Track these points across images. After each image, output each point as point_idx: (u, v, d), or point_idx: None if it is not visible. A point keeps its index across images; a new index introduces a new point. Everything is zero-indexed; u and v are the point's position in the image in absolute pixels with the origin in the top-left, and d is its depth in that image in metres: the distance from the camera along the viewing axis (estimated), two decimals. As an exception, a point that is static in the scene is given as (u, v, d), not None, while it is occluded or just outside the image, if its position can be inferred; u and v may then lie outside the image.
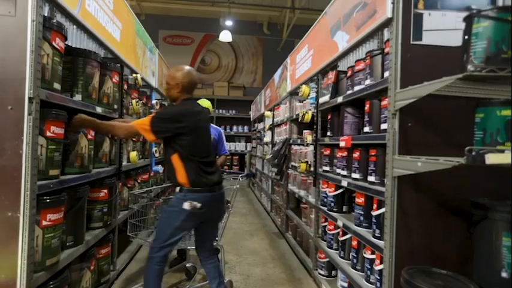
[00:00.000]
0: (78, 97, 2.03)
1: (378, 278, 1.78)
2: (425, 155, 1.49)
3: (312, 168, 2.96)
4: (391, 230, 1.64)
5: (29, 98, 1.45)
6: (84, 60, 2.07)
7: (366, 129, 2.02)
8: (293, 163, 3.93)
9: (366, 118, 2.03)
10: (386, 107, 1.80)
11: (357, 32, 2.05)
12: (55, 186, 1.66)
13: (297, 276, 3.04)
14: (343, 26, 2.29)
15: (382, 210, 1.79)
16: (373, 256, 1.90)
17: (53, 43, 1.62)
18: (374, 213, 1.86)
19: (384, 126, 1.81)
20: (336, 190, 2.52)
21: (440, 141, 1.64)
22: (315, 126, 2.93)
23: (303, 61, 3.43)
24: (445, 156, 1.35)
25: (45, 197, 1.59)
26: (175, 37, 11.80)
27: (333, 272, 2.72)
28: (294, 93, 4.12)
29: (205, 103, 3.08)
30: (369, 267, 1.94)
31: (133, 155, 2.88)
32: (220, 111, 11.12)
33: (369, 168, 1.97)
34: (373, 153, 1.94)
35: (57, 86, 1.69)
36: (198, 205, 1.94)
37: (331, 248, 2.58)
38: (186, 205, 1.94)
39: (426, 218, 1.65)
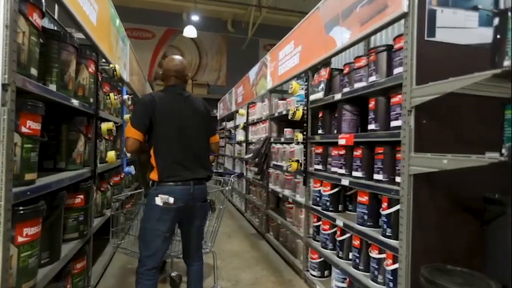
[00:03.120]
0: (52, 87, 1.72)
1: (391, 278, 1.75)
2: (439, 152, 1.48)
3: (302, 167, 2.89)
4: (408, 229, 1.61)
5: (3, 85, 1.16)
6: (59, 44, 1.76)
7: (371, 126, 1.99)
8: (275, 162, 3.85)
9: (371, 115, 2.00)
10: (397, 104, 1.77)
11: (361, 27, 2.00)
12: (32, 193, 1.37)
13: (286, 278, 2.95)
14: (343, 22, 2.24)
15: (394, 208, 1.76)
16: (382, 256, 1.86)
17: (30, 18, 1.33)
18: (384, 212, 1.83)
19: (394, 123, 1.79)
20: (331, 189, 2.47)
21: (453, 138, 1.65)
22: (304, 124, 2.86)
23: (288, 58, 3.35)
24: (457, 154, 1.35)
25: (20, 207, 1.30)
26: (135, 30, 11.10)
27: (326, 272, 2.68)
28: (274, 90, 4.04)
29: None
30: (377, 267, 1.90)
31: (112, 154, 2.57)
32: (184, 109, 10.70)
33: (376, 166, 1.94)
34: (380, 151, 1.91)
35: (34, 71, 1.40)
36: (171, 199, 1.80)
37: (326, 248, 2.52)
38: (158, 200, 1.80)
39: (439, 215, 1.65)
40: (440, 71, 1.53)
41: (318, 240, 2.70)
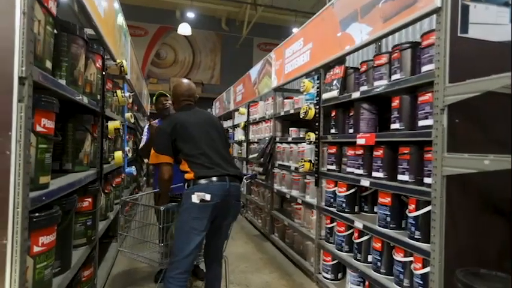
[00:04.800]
0: (61, 82, 1.59)
1: (420, 282, 1.69)
2: (471, 152, 1.44)
3: (313, 168, 2.82)
4: (441, 231, 1.55)
5: (20, 78, 1.04)
6: (68, 36, 1.64)
7: (395, 126, 1.93)
8: (280, 162, 3.77)
9: (395, 114, 1.94)
10: (426, 103, 1.72)
11: (384, 23, 1.94)
12: (47, 198, 1.25)
13: (297, 281, 2.88)
14: (362, 18, 2.17)
15: (424, 210, 1.70)
16: (408, 259, 1.81)
17: (46, 5, 1.21)
18: (411, 214, 1.77)
19: (423, 122, 1.73)
20: (347, 190, 2.41)
21: (485, 137, 1.60)
22: (316, 124, 2.79)
23: (296, 55, 3.27)
24: (490, 154, 1.30)
25: (36, 214, 1.18)
26: (128, 27, 10.85)
27: (339, 275, 2.62)
28: (280, 89, 3.96)
29: (163, 92, 2.92)
30: (402, 270, 1.85)
31: (119, 154, 2.45)
32: (178, 108, 10.53)
33: (400, 166, 1.88)
34: (406, 151, 1.85)
35: (49, 64, 1.28)
36: (207, 196, 1.78)
37: (341, 250, 2.46)
38: (194, 197, 1.78)
39: (471, 217, 1.60)
40: (472, 69, 1.48)
41: (331, 242, 2.63)
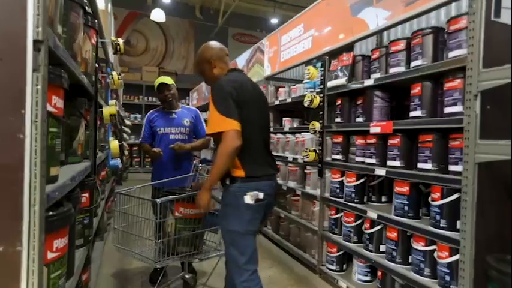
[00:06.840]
0: (61, 57, 1.35)
1: (447, 271, 1.67)
2: (502, 139, 1.42)
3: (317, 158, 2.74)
4: (472, 219, 1.53)
5: (35, 42, 0.83)
6: (67, 3, 1.38)
7: (416, 113, 1.89)
8: (274, 153, 3.65)
9: (416, 102, 1.89)
10: (454, 89, 1.68)
11: (406, 7, 1.88)
12: (60, 193, 1.03)
13: (300, 274, 2.81)
14: (378, 2, 2.10)
15: (451, 198, 1.68)
16: (430, 248, 1.79)
17: (58, -43, 0.98)
18: (436, 202, 1.74)
19: (450, 109, 1.69)
20: (357, 180, 2.36)
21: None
22: (320, 112, 2.71)
23: (295, 42, 3.16)
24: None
25: (50, 213, 0.97)
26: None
27: (344, 266, 2.59)
28: (273, 78, 3.83)
29: (166, 79, 2.67)
30: (422, 259, 1.83)
31: (116, 144, 2.19)
32: (150, 98, 10.06)
33: (422, 154, 1.84)
34: (428, 139, 1.82)
35: (60, 30, 1.05)
36: (261, 195, 1.63)
37: (349, 241, 2.42)
38: (247, 199, 1.60)
39: (498, 204, 1.60)
40: (504, 54, 1.47)
41: (336, 233, 2.59)
